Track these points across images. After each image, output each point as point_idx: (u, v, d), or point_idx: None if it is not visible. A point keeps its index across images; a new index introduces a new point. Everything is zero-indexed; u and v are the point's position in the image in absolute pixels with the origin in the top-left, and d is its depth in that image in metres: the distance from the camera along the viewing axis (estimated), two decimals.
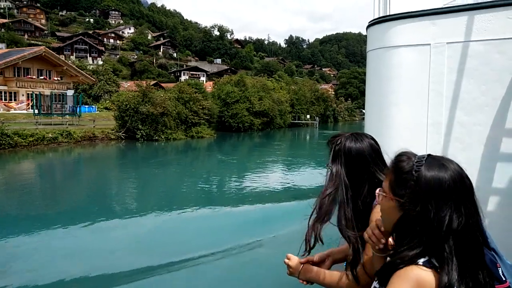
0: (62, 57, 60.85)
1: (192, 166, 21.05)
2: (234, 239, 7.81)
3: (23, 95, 36.49)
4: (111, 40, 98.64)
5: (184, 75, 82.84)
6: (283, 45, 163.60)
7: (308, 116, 54.38)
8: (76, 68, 40.93)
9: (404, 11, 3.41)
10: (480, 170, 2.95)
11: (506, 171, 2.92)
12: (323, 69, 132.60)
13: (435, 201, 1.01)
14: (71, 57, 75.02)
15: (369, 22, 3.81)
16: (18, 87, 36.34)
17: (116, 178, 17.41)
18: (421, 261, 1.00)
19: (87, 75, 41.31)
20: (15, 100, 36.56)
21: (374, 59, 3.75)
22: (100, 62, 72.20)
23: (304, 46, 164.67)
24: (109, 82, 47.17)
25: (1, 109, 33.07)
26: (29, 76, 37.15)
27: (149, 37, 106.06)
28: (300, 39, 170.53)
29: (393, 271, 1.03)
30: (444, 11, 3.21)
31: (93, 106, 41.10)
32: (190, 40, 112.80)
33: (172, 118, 29.86)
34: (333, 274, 1.49)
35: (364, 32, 4.30)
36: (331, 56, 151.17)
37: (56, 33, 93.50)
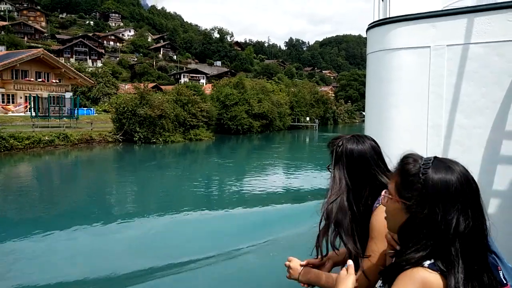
0: (61, 59, 60.81)
1: (189, 169, 20.94)
2: (234, 242, 7.78)
3: (21, 97, 36.30)
4: (111, 43, 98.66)
5: (184, 77, 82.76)
6: (283, 47, 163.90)
7: (307, 119, 54.24)
8: (75, 70, 40.76)
9: (404, 13, 3.41)
10: (480, 173, 2.95)
11: (507, 174, 2.92)
12: (323, 71, 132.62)
13: (443, 204, 1.00)
14: (71, 59, 74.95)
15: (369, 25, 3.82)
16: (16, 90, 36.17)
17: (112, 181, 17.30)
18: (427, 263, 1.00)
19: (85, 77, 41.12)
20: (13, 102, 36.37)
21: (374, 62, 3.76)
22: (100, 65, 72.13)
23: (304, 49, 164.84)
24: (108, 85, 47.05)
25: None
26: (27, 79, 36.98)
27: (149, 39, 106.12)
28: (300, 41, 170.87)
29: (399, 272, 1.03)
30: (444, 13, 3.21)
31: (92, 109, 40.93)
32: (190, 43, 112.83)
33: (170, 120, 29.68)
34: (333, 277, 1.46)
35: (364, 34, 4.30)
36: (331, 58, 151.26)
37: (56, 35, 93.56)
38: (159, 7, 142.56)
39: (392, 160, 1.38)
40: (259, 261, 7.03)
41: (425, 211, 1.02)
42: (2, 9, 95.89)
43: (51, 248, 7.86)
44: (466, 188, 1.02)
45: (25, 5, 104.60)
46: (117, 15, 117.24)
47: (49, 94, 32.86)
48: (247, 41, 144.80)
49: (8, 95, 36.28)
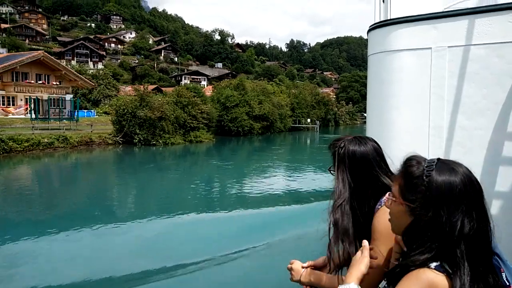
0: (63, 62, 60.88)
1: (189, 171, 20.89)
2: (234, 244, 7.74)
3: (21, 99, 36.28)
4: (112, 45, 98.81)
5: (185, 79, 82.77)
6: (284, 49, 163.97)
7: (308, 120, 54.08)
8: (75, 72, 40.76)
9: (404, 15, 3.42)
10: (482, 174, 2.92)
11: (508, 175, 2.92)
12: (324, 73, 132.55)
13: (447, 206, 1.00)
14: (72, 61, 75.05)
15: (370, 26, 3.82)
16: (16, 92, 36.16)
17: (111, 183, 17.26)
18: (433, 265, 1.00)
19: (86, 79, 41.10)
20: (13, 104, 36.34)
21: (375, 63, 3.77)
22: (101, 67, 72.20)
23: (305, 50, 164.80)
24: (109, 87, 47.02)
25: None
26: (28, 81, 36.97)
27: (150, 41, 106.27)
28: (301, 43, 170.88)
29: (404, 273, 1.03)
30: (444, 15, 3.22)
31: (92, 111, 40.90)
32: (191, 45, 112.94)
33: (170, 122, 29.57)
34: (334, 278, 1.47)
35: (365, 36, 4.29)
36: (332, 60, 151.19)
37: (58, 38, 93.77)
38: (160, 10, 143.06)
39: (393, 162, 1.39)
40: (259, 263, 6.99)
41: (429, 214, 1.02)
42: (4, 11, 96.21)
43: (50, 250, 7.88)
44: (470, 189, 1.02)
45: (26, 7, 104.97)
46: (118, 17, 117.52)
47: (49, 96, 32.82)
48: (248, 43, 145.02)
49: (9, 97, 36.27)
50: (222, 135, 37.96)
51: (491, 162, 2.97)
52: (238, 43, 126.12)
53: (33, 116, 28.96)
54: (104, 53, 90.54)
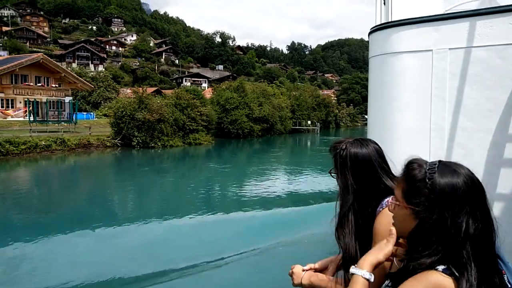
0: (64, 64, 60.96)
1: (188, 174, 20.74)
2: (233, 246, 7.70)
3: (20, 102, 36.22)
4: (113, 47, 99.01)
5: (186, 81, 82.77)
6: (285, 51, 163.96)
7: (309, 122, 53.84)
8: (74, 74, 40.70)
9: (406, 17, 3.44)
10: (484, 176, 2.90)
11: (510, 177, 2.92)
12: (325, 75, 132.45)
13: (451, 208, 1.01)
14: (73, 64, 75.19)
15: (371, 29, 3.85)
16: (15, 94, 36.12)
17: (108, 186, 17.10)
18: (440, 268, 1.00)
19: (85, 81, 41.04)
20: (12, 107, 36.28)
21: (377, 65, 3.80)
22: (102, 69, 72.26)
23: (306, 52, 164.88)
24: (109, 89, 46.95)
25: None
26: (27, 83, 36.91)
27: (151, 44, 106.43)
28: (302, 45, 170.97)
29: (410, 275, 1.03)
30: (446, 17, 3.24)
31: (92, 113, 40.82)
32: (192, 47, 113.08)
33: (169, 124, 29.40)
34: (336, 280, 1.49)
35: (366, 38, 4.30)
36: (333, 62, 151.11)
37: (59, 40, 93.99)
38: (161, 12, 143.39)
39: (395, 163, 1.40)
40: (257, 266, 6.94)
41: (434, 216, 1.02)
42: (6, 14, 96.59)
43: (50, 253, 7.87)
44: (473, 190, 1.02)
45: (28, 10, 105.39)
46: (119, 20, 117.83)
47: (47, 99, 32.72)
48: (249, 46, 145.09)
49: (8, 100, 36.22)
50: (221, 137, 37.78)
51: (492, 164, 2.98)
52: (239, 46, 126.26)
53: (32, 118, 28.85)
54: (105, 55, 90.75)
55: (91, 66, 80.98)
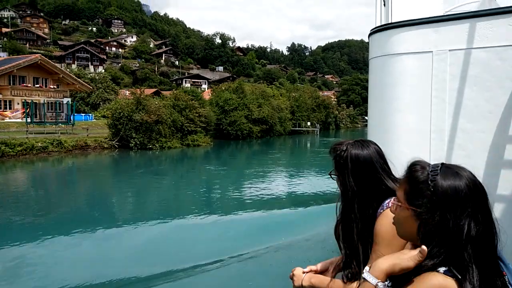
0: (63, 65, 60.84)
1: (186, 175, 20.64)
2: (232, 248, 7.69)
3: (18, 103, 36.05)
4: (113, 49, 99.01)
5: (185, 83, 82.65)
6: (285, 52, 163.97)
7: (309, 123, 53.64)
8: (73, 76, 40.52)
9: (406, 19, 3.45)
10: (484, 177, 2.86)
11: (510, 178, 2.92)
12: (325, 76, 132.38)
13: (453, 210, 1.01)
14: (73, 65, 75.06)
15: (371, 30, 3.86)
16: (13, 96, 35.94)
17: (105, 188, 17.00)
18: (442, 269, 1.00)
19: (84, 83, 40.85)
20: (10, 108, 36.10)
21: (377, 67, 3.81)
22: (102, 70, 72.14)
23: (306, 54, 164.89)
24: (108, 90, 46.77)
25: None
26: (25, 84, 36.74)
27: (151, 45, 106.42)
28: (303, 46, 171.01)
29: (412, 276, 1.03)
30: (446, 18, 3.25)
31: (90, 114, 40.64)
32: (192, 48, 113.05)
33: (167, 126, 29.20)
34: (335, 281, 1.49)
35: (366, 39, 4.32)
36: (334, 63, 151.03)
37: (59, 41, 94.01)
38: (161, 14, 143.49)
39: (395, 165, 1.42)
40: (256, 267, 6.94)
41: (436, 218, 1.03)
42: (6, 16, 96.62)
43: (49, 255, 7.86)
44: (475, 192, 1.03)
45: (28, 11, 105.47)
46: (119, 21, 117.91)
47: (45, 100, 32.55)
48: (250, 47, 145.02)
49: (5, 101, 36.04)
50: (220, 138, 37.61)
51: (492, 165, 2.99)
52: (239, 47, 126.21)
53: (29, 120, 28.66)
54: (105, 56, 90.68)
55: (91, 67, 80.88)
